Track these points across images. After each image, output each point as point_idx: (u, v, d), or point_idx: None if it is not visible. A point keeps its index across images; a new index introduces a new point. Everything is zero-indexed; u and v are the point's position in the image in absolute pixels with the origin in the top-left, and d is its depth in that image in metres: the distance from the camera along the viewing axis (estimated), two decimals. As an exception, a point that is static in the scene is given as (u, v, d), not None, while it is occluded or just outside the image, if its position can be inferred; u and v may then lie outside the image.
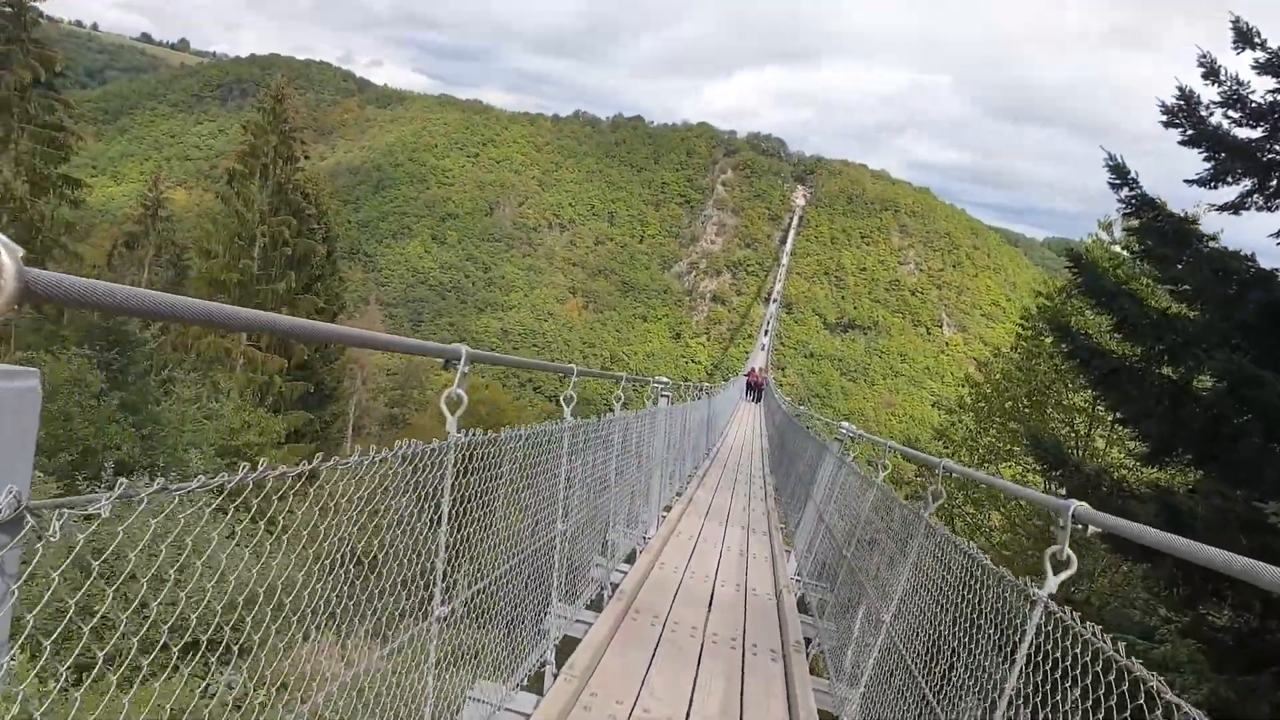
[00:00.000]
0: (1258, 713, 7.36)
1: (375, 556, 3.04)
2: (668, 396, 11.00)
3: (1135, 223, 8.89)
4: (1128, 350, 9.35)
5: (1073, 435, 18.01)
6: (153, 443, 16.37)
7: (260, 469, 1.93)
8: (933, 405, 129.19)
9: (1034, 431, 12.98)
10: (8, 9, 27.90)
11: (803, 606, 8.34)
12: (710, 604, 7.53)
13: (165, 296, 1.52)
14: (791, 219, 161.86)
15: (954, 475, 5.11)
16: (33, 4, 28.42)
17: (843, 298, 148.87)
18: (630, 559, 8.62)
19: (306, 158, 36.92)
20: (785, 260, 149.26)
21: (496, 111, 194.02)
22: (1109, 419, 17.49)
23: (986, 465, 19.99)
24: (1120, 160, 8.47)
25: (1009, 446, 19.83)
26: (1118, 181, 8.46)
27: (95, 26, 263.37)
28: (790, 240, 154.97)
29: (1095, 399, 17.71)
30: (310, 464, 2.18)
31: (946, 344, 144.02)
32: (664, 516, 11.13)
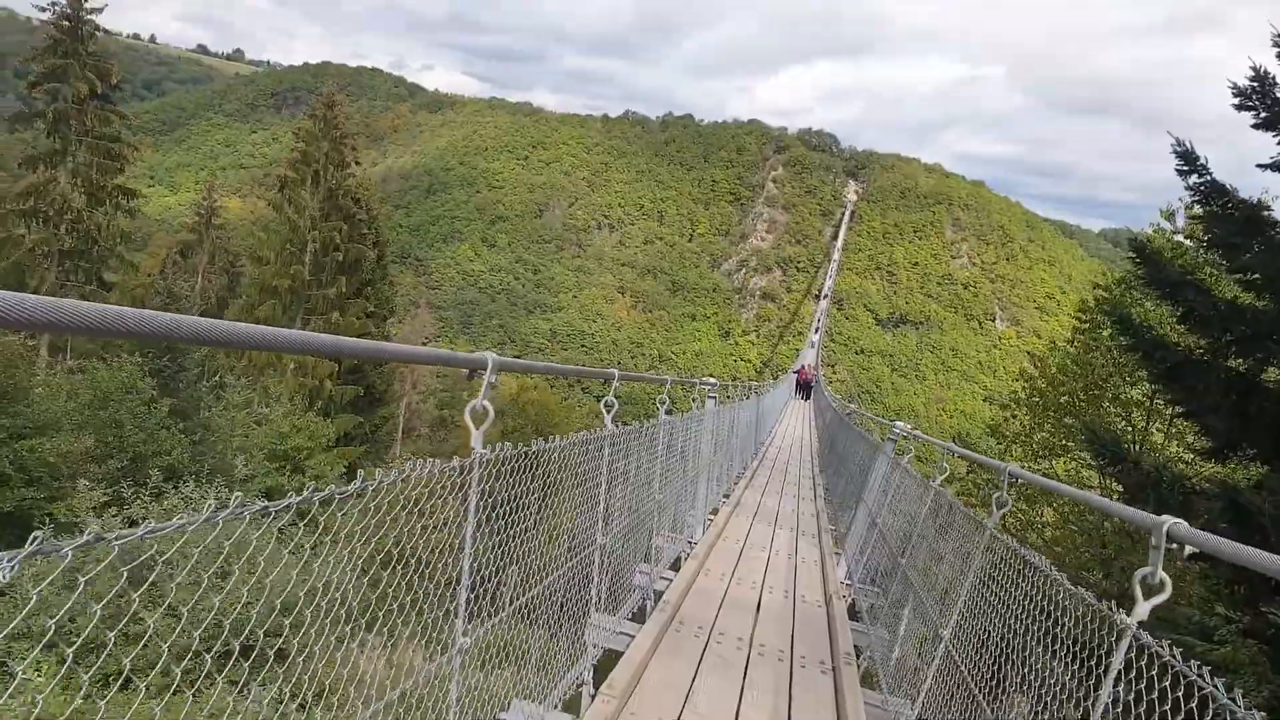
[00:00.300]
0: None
1: (383, 593, 2.87)
2: (714, 397, 10.65)
3: (1202, 210, 8.43)
4: (1193, 342, 8.93)
5: (1129, 430, 17.40)
6: (203, 448, 16.57)
7: (235, 505, 1.78)
8: (985, 400, 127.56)
9: (1091, 425, 12.45)
10: (65, 23, 28.60)
11: (853, 613, 8.04)
12: (757, 613, 7.25)
13: (107, 310, 1.36)
14: (843, 214, 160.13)
15: (1020, 481, 4.56)
16: (89, 17, 29.10)
17: (894, 293, 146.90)
18: (676, 565, 8.36)
19: (357, 163, 37.25)
20: (836, 256, 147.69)
21: (546, 113, 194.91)
22: (1168, 413, 16.88)
23: (1041, 461, 19.42)
24: (1189, 146, 8.06)
25: (1064, 442, 19.26)
26: (1186, 168, 8.05)
27: (153, 39, 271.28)
28: (842, 236, 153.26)
29: (1154, 393, 17.10)
30: (299, 496, 2.02)
31: (1000, 338, 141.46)
32: (711, 520, 10.81)
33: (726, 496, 13.23)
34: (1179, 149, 8.07)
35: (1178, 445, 16.37)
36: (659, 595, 7.12)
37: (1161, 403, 16.99)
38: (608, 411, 5.09)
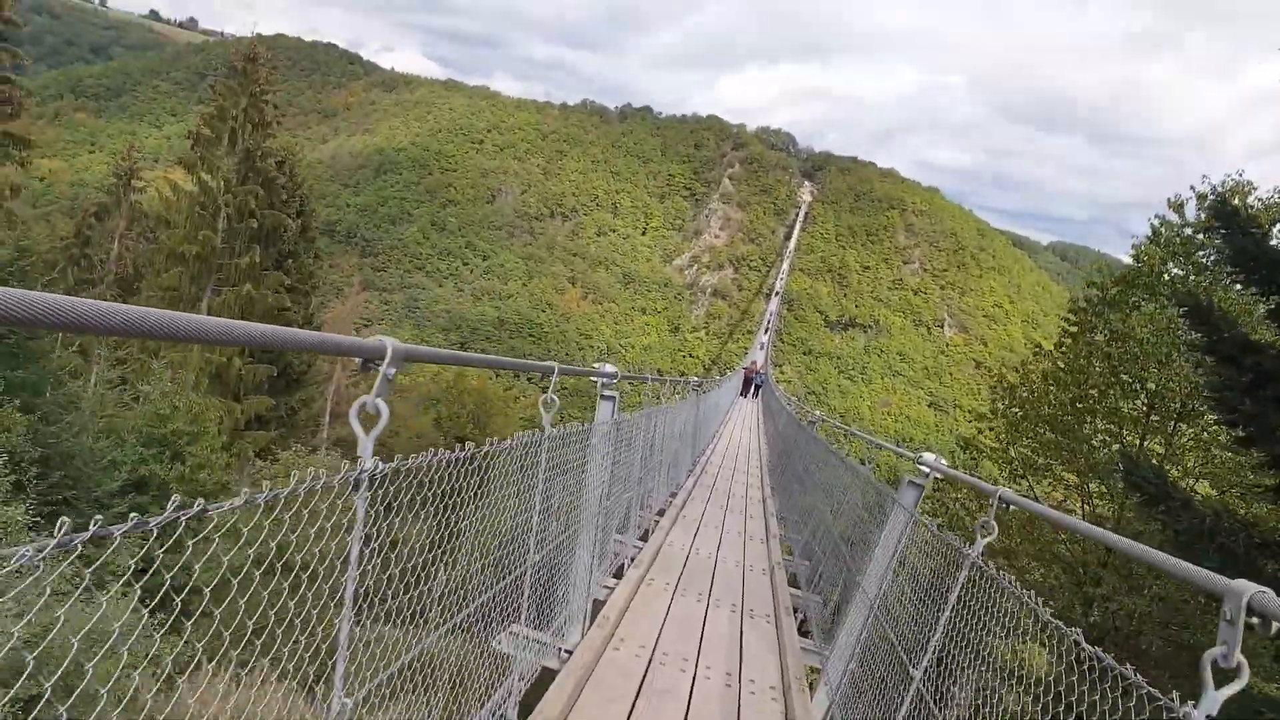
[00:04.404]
0: None
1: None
2: (613, 398, 6.56)
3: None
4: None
5: (1121, 450, 15.44)
6: (53, 430, 13.77)
7: None
8: (929, 405, 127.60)
9: (1128, 453, 10.45)
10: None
11: None
12: None
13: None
14: (797, 215, 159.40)
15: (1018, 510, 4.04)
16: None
17: (844, 295, 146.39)
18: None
19: (279, 122, 34.13)
20: (789, 256, 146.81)
21: (503, 98, 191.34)
22: (1169, 431, 15.05)
23: (1020, 481, 17.54)
24: None
25: (1045, 461, 17.37)
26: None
27: (102, 2, 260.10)
28: (795, 236, 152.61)
29: (1150, 405, 15.23)
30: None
31: (947, 344, 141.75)
32: (609, 593, 7.23)
33: (644, 540, 9.57)
34: None
35: (1177, 470, 14.38)
36: None
37: (1157, 419, 15.16)
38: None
